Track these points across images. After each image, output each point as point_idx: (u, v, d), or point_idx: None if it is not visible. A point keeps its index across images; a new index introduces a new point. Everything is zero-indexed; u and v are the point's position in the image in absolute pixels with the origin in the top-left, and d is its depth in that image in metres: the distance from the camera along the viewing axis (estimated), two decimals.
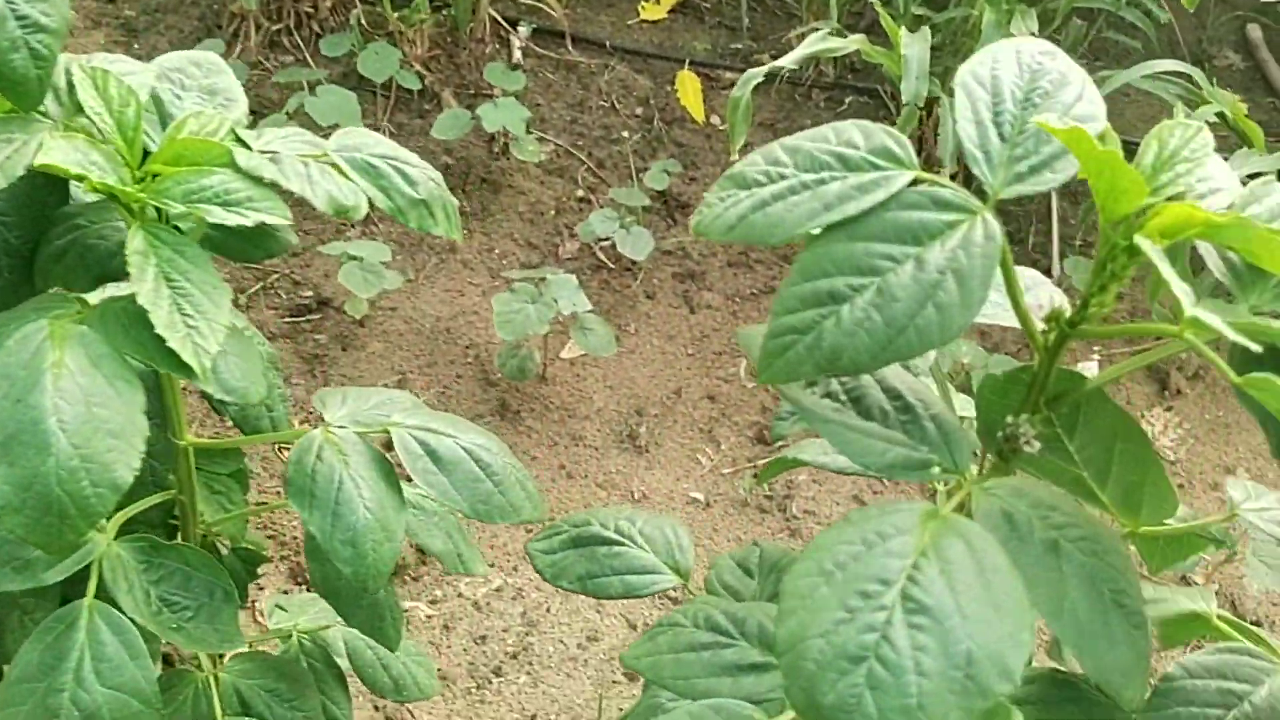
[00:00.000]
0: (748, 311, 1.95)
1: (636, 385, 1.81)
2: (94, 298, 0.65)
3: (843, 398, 0.55)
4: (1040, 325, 0.54)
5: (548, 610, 1.47)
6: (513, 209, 2.01)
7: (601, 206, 1.94)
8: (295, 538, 1.51)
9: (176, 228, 0.67)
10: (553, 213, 2.02)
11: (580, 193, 2.06)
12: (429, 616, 1.44)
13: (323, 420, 0.79)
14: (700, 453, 1.74)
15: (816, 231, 0.52)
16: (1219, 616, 0.64)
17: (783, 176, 0.51)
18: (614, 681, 1.40)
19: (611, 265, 1.96)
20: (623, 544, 0.80)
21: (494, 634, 1.43)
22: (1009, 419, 0.56)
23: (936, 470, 0.56)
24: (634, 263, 1.95)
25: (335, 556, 0.74)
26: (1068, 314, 0.53)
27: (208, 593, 0.77)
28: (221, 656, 0.90)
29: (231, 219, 0.60)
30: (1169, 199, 0.46)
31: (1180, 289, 0.42)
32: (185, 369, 0.58)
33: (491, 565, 1.52)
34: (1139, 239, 0.44)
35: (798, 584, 0.46)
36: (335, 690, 1.00)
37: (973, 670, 0.44)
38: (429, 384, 1.75)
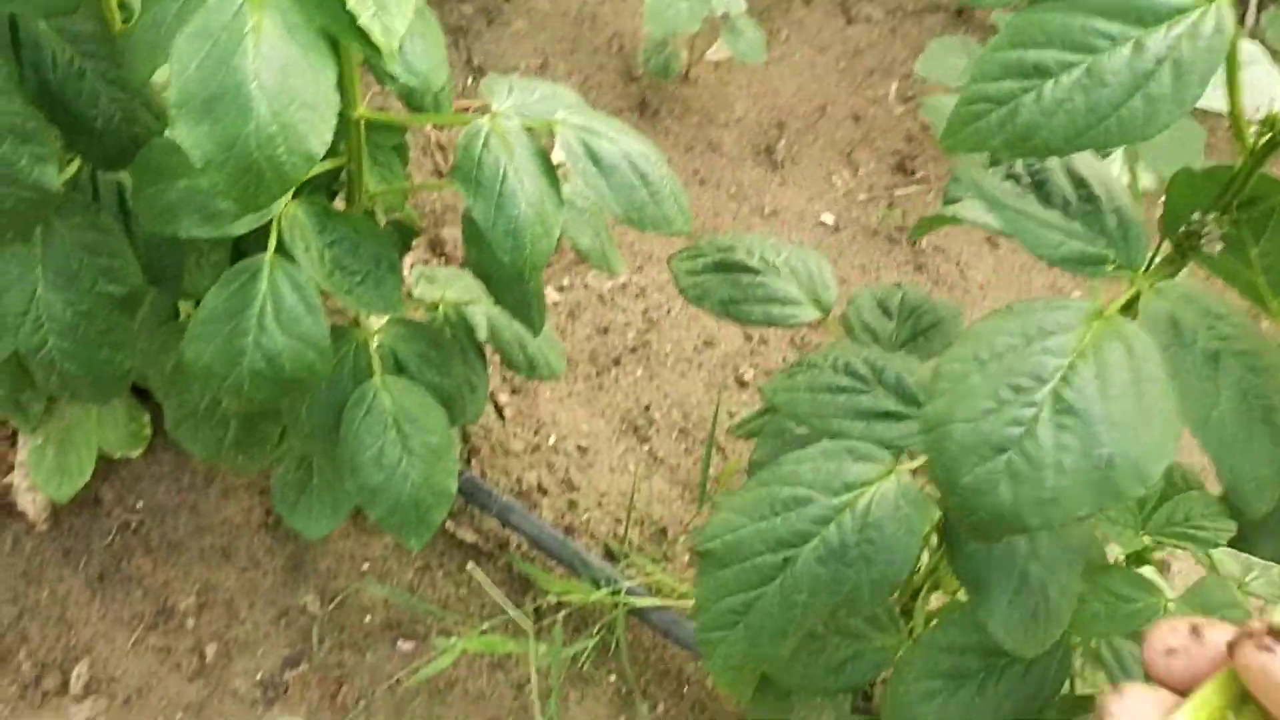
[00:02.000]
0: (908, 28, 1.84)
1: (780, 97, 1.75)
2: None
3: (1026, 180, 0.53)
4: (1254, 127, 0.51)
5: (668, 312, 1.52)
6: None
7: None
8: (433, 210, 1.56)
9: None
10: None
11: None
12: (555, 303, 1.50)
13: (489, 108, 0.79)
14: (836, 174, 1.70)
15: None
16: None
17: None
18: (724, 386, 1.46)
19: None
20: (767, 273, 0.81)
21: (616, 327, 1.49)
22: (1196, 214, 0.54)
23: (1110, 268, 0.55)
24: None
25: (497, 246, 0.77)
26: None
27: (374, 260, 0.82)
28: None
29: None
30: None
31: None
32: (372, 47, 0.58)
33: None
34: None
35: (951, 367, 0.47)
36: (475, 361, 1.07)
37: (1111, 473, 0.45)
38: (570, 70, 1.72)
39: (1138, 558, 0.68)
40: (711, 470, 1.33)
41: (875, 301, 0.86)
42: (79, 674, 1.22)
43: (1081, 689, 0.73)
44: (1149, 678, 0.32)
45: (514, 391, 1.38)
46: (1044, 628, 0.59)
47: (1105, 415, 0.45)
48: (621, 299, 1.52)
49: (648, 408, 1.41)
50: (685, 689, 1.17)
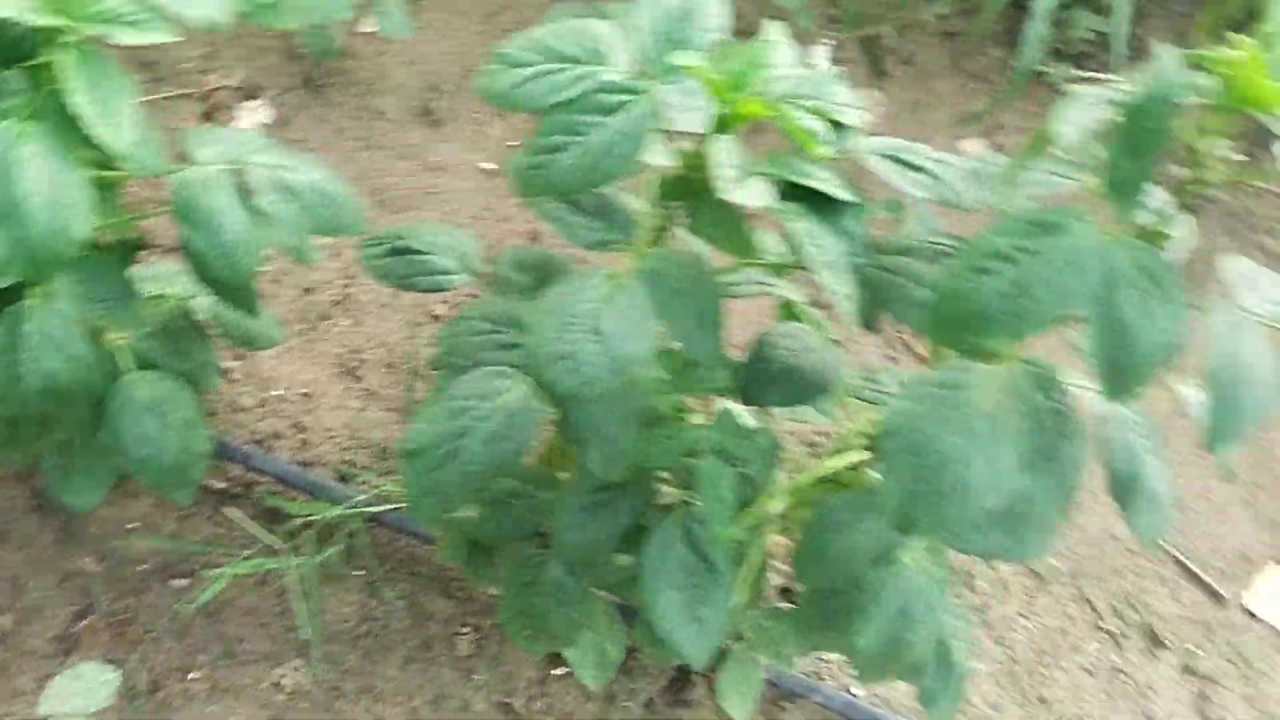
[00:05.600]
0: None
1: (431, 61, 2.01)
2: None
3: (566, 200, 0.86)
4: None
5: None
6: None
7: None
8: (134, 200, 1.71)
9: None
10: None
11: None
12: (261, 273, 1.72)
13: (195, 160, 1.02)
14: (489, 125, 1.99)
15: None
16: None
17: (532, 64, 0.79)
18: (417, 324, 1.74)
19: None
20: (429, 254, 1.10)
21: (318, 286, 1.73)
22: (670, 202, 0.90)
23: (618, 246, 0.89)
24: None
25: (214, 267, 1.01)
26: None
27: (117, 288, 1.04)
28: None
29: None
30: None
31: None
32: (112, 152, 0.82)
33: None
34: None
35: (534, 315, 0.80)
36: (203, 343, 1.30)
37: (627, 366, 0.80)
38: (238, 57, 1.89)
39: (677, 412, 1.06)
40: (416, 395, 1.63)
41: (512, 261, 1.18)
42: None
43: (664, 499, 1.10)
44: None
45: (237, 357, 1.61)
46: (620, 461, 0.94)
47: (616, 333, 0.80)
48: (322, 260, 1.76)
49: (357, 351, 1.68)
50: (420, 569, 1.49)
